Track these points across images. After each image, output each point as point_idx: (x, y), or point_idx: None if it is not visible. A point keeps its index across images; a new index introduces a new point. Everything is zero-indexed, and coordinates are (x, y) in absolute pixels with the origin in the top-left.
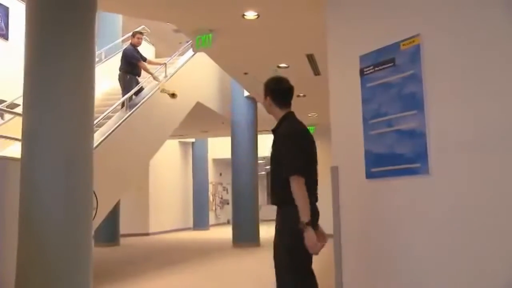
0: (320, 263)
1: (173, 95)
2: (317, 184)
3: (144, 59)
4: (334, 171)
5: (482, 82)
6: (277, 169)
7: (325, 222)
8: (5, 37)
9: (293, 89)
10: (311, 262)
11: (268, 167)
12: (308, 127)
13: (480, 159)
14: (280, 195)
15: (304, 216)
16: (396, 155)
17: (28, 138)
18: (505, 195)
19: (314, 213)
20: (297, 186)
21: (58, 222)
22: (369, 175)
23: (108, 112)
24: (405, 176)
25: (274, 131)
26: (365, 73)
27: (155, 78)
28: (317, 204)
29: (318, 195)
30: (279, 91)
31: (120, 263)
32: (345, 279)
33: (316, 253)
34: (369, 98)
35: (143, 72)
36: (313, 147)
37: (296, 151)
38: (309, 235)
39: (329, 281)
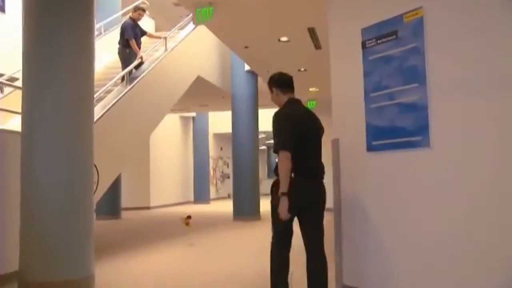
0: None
1: (187, 224)
2: (312, 157)
3: (144, 33)
4: (335, 144)
5: (483, 56)
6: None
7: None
8: (2, 9)
9: (293, 79)
10: (287, 225)
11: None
12: (308, 101)
13: (480, 132)
14: (276, 167)
15: (282, 187)
16: (397, 128)
17: (28, 112)
18: (505, 167)
19: (307, 188)
20: (281, 160)
21: (59, 196)
22: (370, 148)
23: (108, 86)
24: (406, 149)
25: None
26: (367, 46)
27: (141, 59)
28: None
29: None
30: (281, 80)
31: (121, 236)
32: (344, 251)
33: (284, 219)
34: (370, 71)
35: (142, 46)
36: (309, 126)
37: (283, 130)
38: (282, 204)
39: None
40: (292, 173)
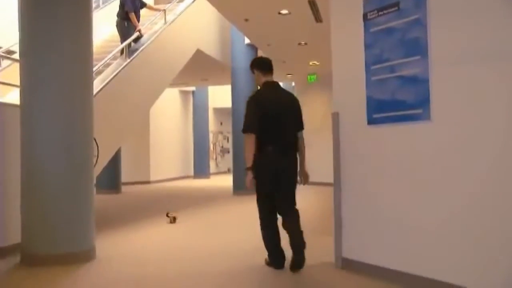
0: (321, 209)
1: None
2: (282, 135)
3: (144, 5)
4: (335, 117)
5: (486, 28)
6: None
7: (326, 169)
8: None
9: (272, 63)
10: (267, 189)
11: None
12: (309, 76)
13: (481, 105)
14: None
15: (247, 163)
16: (398, 101)
17: (27, 85)
18: (505, 139)
19: (277, 161)
20: (245, 141)
21: (59, 169)
22: (371, 121)
23: (107, 60)
24: (407, 122)
25: None
26: (368, 17)
27: (140, 32)
28: (316, 151)
29: (318, 143)
30: (262, 61)
31: (122, 210)
32: (344, 224)
33: (248, 188)
34: (372, 43)
35: (142, 19)
36: (280, 107)
37: (250, 114)
38: (248, 176)
39: (329, 226)
40: (264, 149)
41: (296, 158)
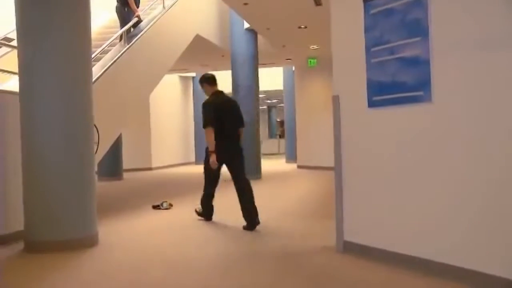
0: (322, 193)
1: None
2: (229, 129)
3: None
4: (336, 100)
5: (488, 10)
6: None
7: (326, 153)
8: None
9: (215, 77)
10: (214, 172)
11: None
12: (309, 59)
13: (482, 87)
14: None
15: (210, 147)
16: (399, 83)
17: (25, 72)
18: (505, 121)
19: (228, 148)
20: (206, 134)
21: (60, 155)
22: (371, 104)
23: (106, 46)
24: (408, 104)
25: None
26: None
27: (138, 17)
28: (317, 136)
29: (319, 128)
30: (208, 78)
31: (124, 197)
32: (345, 208)
33: (214, 168)
34: (372, 25)
35: (142, 4)
36: (226, 110)
37: (208, 113)
38: (211, 158)
39: (330, 210)
40: (219, 139)
41: (240, 145)
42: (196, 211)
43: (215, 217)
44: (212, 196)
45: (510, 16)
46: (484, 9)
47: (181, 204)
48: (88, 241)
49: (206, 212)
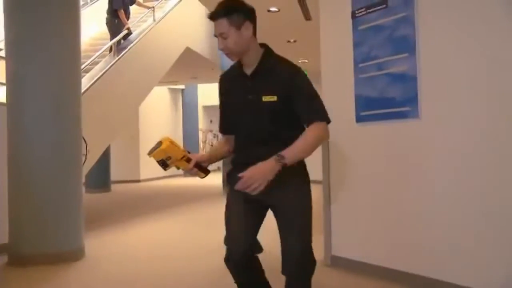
0: None
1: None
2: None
3: (133, 1)
4: None
5: (475, 26)
6: None
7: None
8: None
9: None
10: None
11: None
12: None
13: (469, 103)
14: None
15: None
16: (386, 98)
17: (13, 83)
18: (492, 138)
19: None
20: (325, 133)
21: (47, 167)
22: (359, 119)
23: (95, 57)
24: (395, 120)
25: (257, 74)
26: (357, 15)
27: (128, 29)
28: None
29: None
30: (254, 14)
31: (111, 209)
32: (333, 222)
33: None
34: (360, 41)
35: (131, 16)
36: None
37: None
38: None
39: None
40: None
41: None
42: None
43: (206, 231)
44: None
45: (499, 32)
46: (471, 26)
47: (170, 217)
48: (75, 255)
49: None
